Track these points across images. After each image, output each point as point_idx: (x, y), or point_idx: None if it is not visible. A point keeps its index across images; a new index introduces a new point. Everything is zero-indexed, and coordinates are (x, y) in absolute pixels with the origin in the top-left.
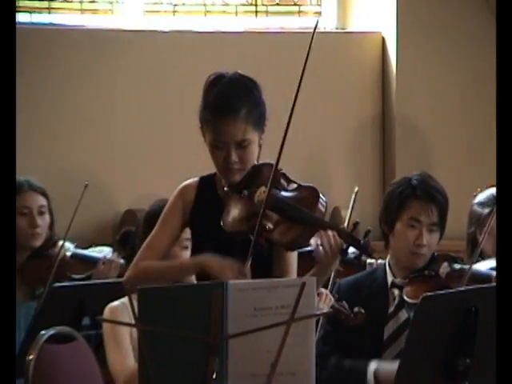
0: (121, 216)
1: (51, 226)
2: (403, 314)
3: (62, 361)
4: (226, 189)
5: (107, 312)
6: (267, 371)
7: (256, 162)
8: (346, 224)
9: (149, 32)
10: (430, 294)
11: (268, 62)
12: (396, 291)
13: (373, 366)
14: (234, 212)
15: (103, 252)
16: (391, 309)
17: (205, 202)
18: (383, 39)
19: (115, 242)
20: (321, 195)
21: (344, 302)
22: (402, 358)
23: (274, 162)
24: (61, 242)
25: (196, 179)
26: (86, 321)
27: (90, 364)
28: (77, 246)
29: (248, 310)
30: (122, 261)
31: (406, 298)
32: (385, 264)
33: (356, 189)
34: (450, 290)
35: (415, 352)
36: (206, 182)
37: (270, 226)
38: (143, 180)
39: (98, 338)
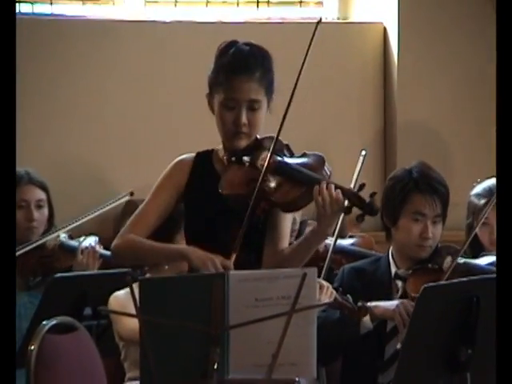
0: (122, 207)
1: (50, 219)
2: None
3: (63, 351)
4: (225, 157)
5: (112, 301)
6: (268, 362)
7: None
8: (352, 185)
9: (150, 22)
10: (431, 284)
11: (270, 52)
12: (399, 283)
13: (360, 303)
14: (234, 177)
15: (85, 241)
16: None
17: (200, 176)
18: (385, 30)
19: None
20: (326, 163)
21: (348, 295)
22: (403, 349)
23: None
24: (55, 234)
25: (192, 154)
26: (88, 311)
27: (91, 354)
28: (70, 237)
29: (249, 300)
30: (102, 251)
31: (408, 291)
32: (388, 254)
33: (364, 152)
34: (452, 281)
35: (416, 342)
36: (202, 158)
37: (271, 185)
38: (144, 171)
39: (99, 328)
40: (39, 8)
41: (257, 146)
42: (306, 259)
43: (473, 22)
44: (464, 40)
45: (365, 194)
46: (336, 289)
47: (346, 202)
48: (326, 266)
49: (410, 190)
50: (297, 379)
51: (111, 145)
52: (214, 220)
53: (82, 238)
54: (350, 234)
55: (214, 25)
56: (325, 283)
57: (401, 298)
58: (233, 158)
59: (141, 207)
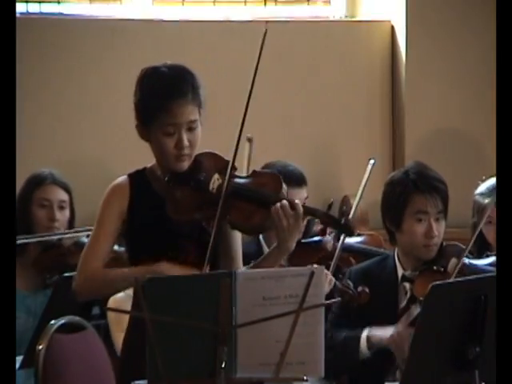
0: None
1: (71, 221)
2: (416, 309)
3: (71, 350)
4: (167, 179)
5: (111, 303)
6: (276, 360)
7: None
8: (358, 196)
9: (157, 22)
10: (439, 282)
11: (277, 50)
12: (407, 285)
13: (365, 332)
14: (183, 200)
15: None
16: (403, 303)
17: (141, 197)
18: (392, 28)
19: None
20: (281, 179)
21: (348, 280)
22: (412, 347)
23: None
24: (70, 235)
25: (125, 177)
26: (96, 310)
27: (99, 353)
28: (87, 236)
29: (256, 299)
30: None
31: (415, 294)
32: (394, 254)
33: (372, 161)
34: (459, 279)
35: (424, 341)
36: (137, 179)
37: (232, 213)
38: None
39: (107, 328)
40: (47, 7)
41: (198, 165)
42: None
43: (480, 20)
44: (471, 37)
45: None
46: (336, 275)
47: (319, 222)
48: (333, 264)
49: (410, 191)
50: (305, 378)
51: (120, 143)
52: (161, 242)
53: None
54: (357, 232)
55: (222, 23)
56: (329, 275)
57: (409, 300)
58: (177, 180)
59: (89, 240)
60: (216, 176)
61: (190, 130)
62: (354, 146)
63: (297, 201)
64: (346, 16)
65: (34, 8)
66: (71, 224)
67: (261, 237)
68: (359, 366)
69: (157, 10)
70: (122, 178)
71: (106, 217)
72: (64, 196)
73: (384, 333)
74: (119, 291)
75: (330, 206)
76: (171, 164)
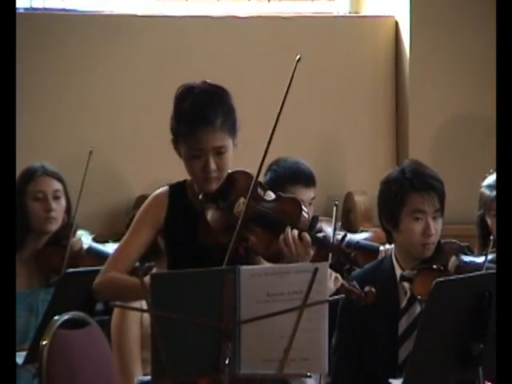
0: (133, 202)
1: (68, 210)
2: (416, 308)
3: (75, 346)
4: (201, 197)
5: (116, 312)
6: (280, 357)
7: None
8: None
9: (161, 17)
10: (442, 279)
11: (281, 46)
12: (406, 285)
13: (367, 288)
14: (211, 223)
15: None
16: (403, 303)
17: (177, 210)
18: (396, 23)
19: (125, 226)
20: (303, 206)
21: (354, 282)
22: (415, 344)
23: (256, 167)
24: (79, 232)
25: (166, 187)
26: (99, 306)
27: (103, 349)
28: (94, 239)
29: (260, 295)
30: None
31: (414, 293)
32: (391, 255)
33: (337, 201)
34: (463, 275)
35: (428, 337)
36: (176, 190)
37: (252, 239)
38: (156, 165)
39: (111, 324)
40: (50, 3)
41: (230, 185)
42: None
43: (484, 16)
44: (475, 34)
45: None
46: (342, 274)
47: (331, 257)
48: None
49: (407, 190)
50: (308, 374)
51: (123, 139)
52: (193, 257)
53: (109, 245)
54: (361, 228)
55: (226, 19)
56: (332, 273)
57: (409, 300)
58: (208, 200)
59: (121, 243)
60: (242, 200)
61: (218, 154)
62: (358, 143)
63: (304, 233)
64: (350, 12)
65: (37, 3)
66: (68, 212)
67: None
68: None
69: (160, 5)
70: (163, 189)
71: (140, 225)
72: (57, 185)
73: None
74: (133, 300)
75: (343, 238)
76: (200, 185)
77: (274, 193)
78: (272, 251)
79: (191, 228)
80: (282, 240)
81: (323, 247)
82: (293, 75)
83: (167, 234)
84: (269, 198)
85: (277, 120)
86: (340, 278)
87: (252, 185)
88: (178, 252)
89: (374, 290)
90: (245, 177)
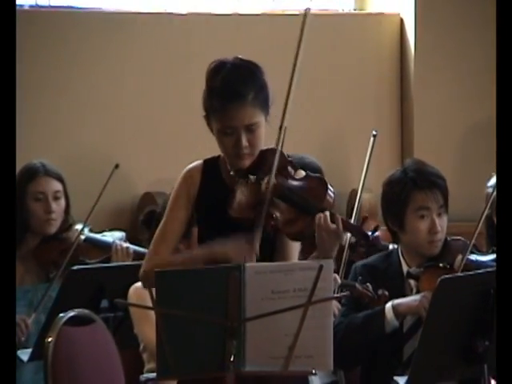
0: (139, 199)
1: (67, 210)
2: None
3: (80, 343)
4: (232, 173)
5: (132, 292)
6: (285, 354)
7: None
8: (363, 174)
9: (166, 14)
10: (448, 276)
11: (286, 43)
12: (412, 282)
13: (389, 304)
14: (241, 198)
15: (114, 237)
16: None
17: (210, 185)
18: (401, 20)
19: (139, 222)
20: (329, 186)
21: (368, 283)
22: (420, 341)
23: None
24: (77, 226)
25: (200, 162)
26: (105, 303)
27: (108, 346)
28: (91, 230)
29: (265, 292)
30: (134, 246)
31: (421, 290)
32: (397, 250)
33: (374, 132)
34: (468, 273)
35: (434, 335)
36: (210, 165)
37: (277, 214)
38: (161, 162)
39: (116, 321)
40: (56, 0)
41: (262, 162)
42: None
43: (489, 13)
44: (480, 30)
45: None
46: (355, 278)
47: (351, 238)
48: (344, 258)
49: (410, 189)
50: (313, 371)
51: (126, 137)
52: (224, 231)
53: (109, 233)
54: (373, 227)
55: (231, 16)
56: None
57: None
58: (239, 176)
59: (161, 225)
60: (270, 176)
61: (251, 131)
62: (363, 139)
63: (338, 215)
64: (355, 9)
65: (43, 1)
66: (67, 213)
67: None
68: (385, 340)
69: (165, 2)
70: (197, 163)
71: (176, 203)
72: (58, 186)
73: (410, 299)
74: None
75: (364, 220)
76: (232, 161)
77: (304, 171)
78: (294, 230)
79: (222, 203)
80: (318, 221)
81: (350, 231)
82: (302, 31)
83: (199, 208)
84: (298, 177)
85: (289, 89)
86: (338, 278)
87: (276, 160)
88: (208, 226)
89: (386, 293)
90: (275, 154)
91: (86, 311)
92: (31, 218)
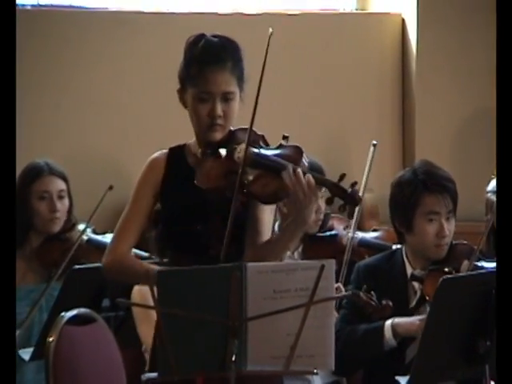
0: None
1: (70, 210)
2: (425, 310)
3: (82, 342)
4: (199, 150)
5: (135, 292)
6: (286, 354)
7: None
8: (364, 178)
9: (168, 14)
10: (449, 276)
11: (287, 43)
12: (416, 284)
13: (388, 321)
14: (210, 169)
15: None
16: (412, 303)
17: (175, 172)
18: (403, 20)
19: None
20: (304, 154)
21: (373, 292)
22: (422, 341)
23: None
24: (80, 226)
25: (165, 151)
26: (106, 302)
27: (109, 345)
28: (94, 232)
29: (267, 292)
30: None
31: (425, 294)
32: (401, 251)
33: (374, 142)
34: (470, 273)
35: (435, 335)
36: (175, 153)
37: (250, 178)
38: None
39: (117, 320)
40: None
41: (232, 138)
42: (287, 250)
43: (491, 12)
44: (482, 31)
45: (345, 185)
46: (359, 287)
47: (327, 192)
48: (345, 258)
49: (420, 192)
50: (315, 371)
51: (129, 136)
52: (191, 214)
53: (108, 235)
54: (374, 227)
55: (233, 16)
56: (336, 284)
57: (419, 300)
58: (208, 151)
59: (124, 215)
60: (242, 146)
61: (226, 100)
62: (365, 138)
63: (307, 174)
64: (357, 9)
65: (44, 0)
66: (70, 212)
67: (276, 231)
68: (383, 357)
69: (167, 2)
70: (161, 152)
71: (140, 192)
72: (62, 185)
73: (409, 321)
74: (138, 283)
75: (341, 177)
76: (204, 133)
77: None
78: (268, 192)
79: (188, 186)
80: (285, 177)
81: (324, 184)
82: (267, 51)
83: (164, 196)
84: (269, 147)
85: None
86: (342, 287)
87: (249, 129)
88: (175, 210)
89: (391, 303)
90: (246, 130)
91: (87, 311)
92: (35, 216)
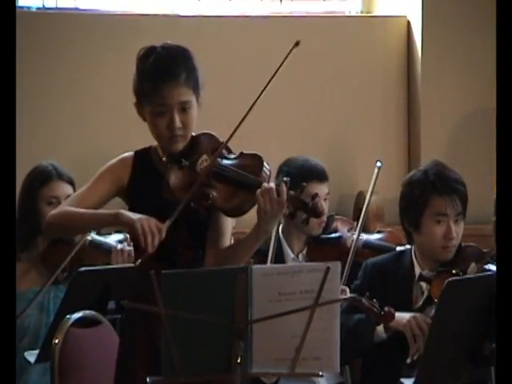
0: None
1: None
2: (432, 311)
3: (87, 344)
4: (164, 159)
5: None
6: (291, 356)
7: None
8: (367, 198)
9: (173, 17)
10: (455, 278)
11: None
12: (424, 285)
13: (387, 308)
14: (175, 181)
15: (116, 239)
16: (419, 303)
17: (142, 174)
18: (408, 23)
19: None
20: (264, 163)
21: (374, 300)
22: (427, 343)
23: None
24: None
25: (131, 153)
26: (112, 305)
27: (115, 348)
28: (98, 233)
29: (272, 294)
30: (130, 248)
31: (432, 296)
32: (410, 251)
33: (379, 164)
34: (476, 275)
35: (440, 336)
36: (141, 156)
37: (213, 193)
38: None
39: (122, 322)
40: (63, 2)
41: (194, 146)
42: (248, 257)
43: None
44: (487, 33)
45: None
46: (363, 290)
47: (290, 207)
48: (349, 259)
49: (429, 193)
50: (320, 373)
51: (132, 139)
52: (160, 217)
53: (111, 235)
54: (378, 229)
55: (238, 19)
56: (341, 286)
57: (426, 301)
58: (172, 162)
59: (79, 192)
60: (204, 157)
61: (184, 110)
62: (370, 142)
63: (282, 187)
64: (362, 11)
65: (50, 3)
66: None
67: (280, 233)
68: (373, 350)
69: (172, 5)
70: (128, 154)
71: (101, 180)
72: (70, 190)
73: (401, 316)
74: (84, 231)
75: (302, 190)
76: (166, 145)
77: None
78: (231, 206)
79: (156, 190)
80: (258, 195)
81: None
82: (285, 59)
83: (131, 198)
84: (232, 156)
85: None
86: (348, 290)
87: (225, 142)
88: (141, 211)
89: (393, 311)
90: (209, 137)
91: (92, 313)
92: (43, 221)
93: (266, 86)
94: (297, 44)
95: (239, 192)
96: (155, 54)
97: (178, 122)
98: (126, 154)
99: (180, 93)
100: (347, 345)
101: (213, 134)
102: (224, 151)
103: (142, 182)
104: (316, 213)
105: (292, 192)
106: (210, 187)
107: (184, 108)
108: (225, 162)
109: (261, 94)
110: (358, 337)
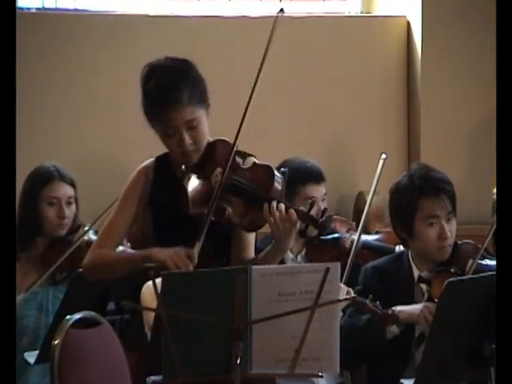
0: None
1: (76, 215)
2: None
3: (87, 345)
4: (183, 168)
5: (145, 291)
6: (291, 356)
7: (210, 139)
8: (371, 192)
9: (172, 17)
10: (455, 279)
11: (292, 46)
12: (424, 286)
13: (390, 311)
14: (193, 194)
15: None
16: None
17: (162, 181)
18: (408, 23)
19: None
20: (276, 173)
21: (378, 302)
22: (427, 344)
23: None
24: (84, 228)
25: (152, 160)
26: (111, 305)
27: (114, 349)
28: (96, 233)
29: (272, 295)
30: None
31: (432, 296)
32: (408, 254)
33: (384, 156)
34: (476, 275)
35: (440, 337)
36: (161, 162)
37: (229, 209)
38: None
39: (122, 323)
40: (63, 3)
41: (210, 155)
42: None
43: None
44: (488, 33)
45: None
46: (366, 295)
47: (300, 224)
48: (349, 261)
49: (418, 197)
50: (320, 374)
51: (133, 139)
52: (178, 227)
53: None
54: (376, 229)
55: (237, 19)
56: (344, 287)
57: (427, 302)
58: (188, 173)
59: (108, 220)
60: (218, 170)
61: (192, 128)
62: (369, 142)
63: (291, 210)
64: (362, 12)
65: (49, 3)
66: (76, 217)
67: None
68: (386, 348)
69: (172, 5)
70: (149, 161)
71: (126, 200)
72: (71, 192)
73: (412, 309)
74: (121, 274)
75: (311, 206)
76: (180, 160)
77: (252, 156)
78: (247, 221)
79: (174, 198)
80: (265, 213)
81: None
82: (272, 32)
83: (153, 207)
84: (246, 166)
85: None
86: (352, 292)
87: (232, 155)
88: (162, 222)
89: (396, 313)
90: (224, 145)
91: (92, 313)
92: (44, 221)
93: (258, 73)
94: (281, 11)
95: (251, 208)
96: (155, 77)
97: (187, 140)
98: (146, 163)
99: (185, 113)
100: (360, 343)
101: (227, 140)
102: (238, 159)
103: (162, 189)
104: (326, 229)
105: (302, 208)
106: (225, 201)
107: (192, 126)
108: (238, 174)
109: (254, 86)
110: (370, 335)
